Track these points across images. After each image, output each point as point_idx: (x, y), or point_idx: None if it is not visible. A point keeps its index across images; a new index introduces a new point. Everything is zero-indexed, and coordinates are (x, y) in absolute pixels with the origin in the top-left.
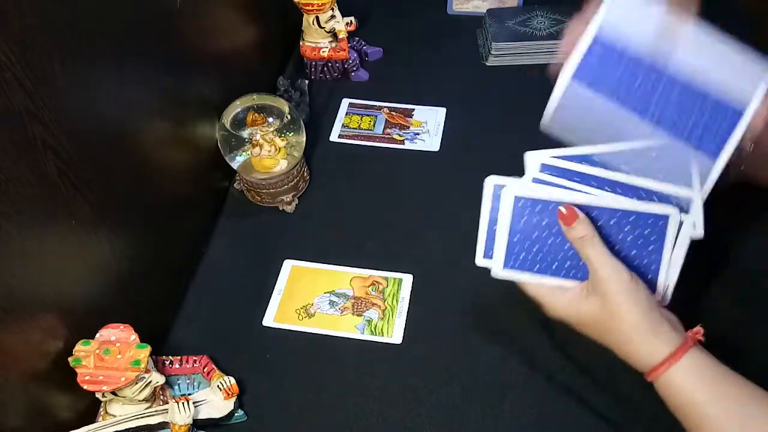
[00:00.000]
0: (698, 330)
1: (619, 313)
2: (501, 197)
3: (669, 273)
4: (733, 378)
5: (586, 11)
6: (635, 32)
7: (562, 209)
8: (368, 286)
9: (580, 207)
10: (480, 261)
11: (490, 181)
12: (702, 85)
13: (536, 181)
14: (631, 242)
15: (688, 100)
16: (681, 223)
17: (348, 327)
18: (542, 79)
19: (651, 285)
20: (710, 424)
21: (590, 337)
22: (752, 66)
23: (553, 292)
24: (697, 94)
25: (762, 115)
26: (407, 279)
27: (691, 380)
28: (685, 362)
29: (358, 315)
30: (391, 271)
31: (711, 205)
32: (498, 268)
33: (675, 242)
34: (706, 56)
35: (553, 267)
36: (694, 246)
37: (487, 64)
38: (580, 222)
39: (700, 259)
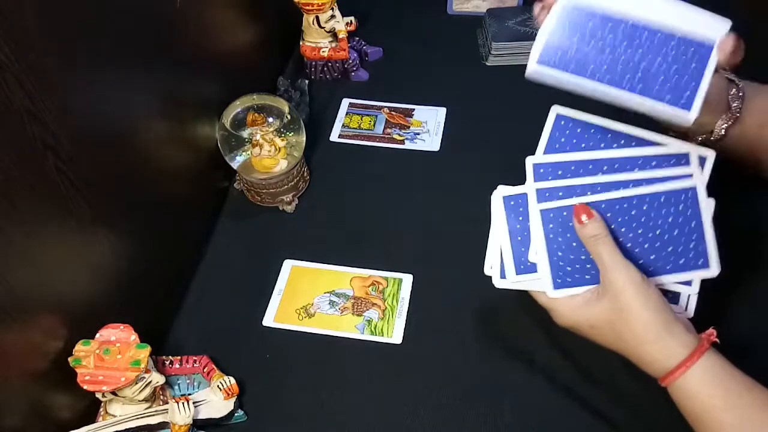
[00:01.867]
0: (711, 332)
1: (632, 311)
2: (530, 212)
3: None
4: (748, 383)
5: None
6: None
7: (578, 207)
8: (368, 286)
9: (608, 200)
10: (491, 272)
11: (499, 193)
12: (668, 31)
13: (541, 190)
14: (672, 222)
15: (657, 48)
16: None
17: (348, 327)
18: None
19: (704, 255)
20: (724, 430)
21: (602, 344)
22: (711, 15)
23: (564, 298)
24: (665, 37)
25: (727, 46)
26: (407, 279)
27: (708, 385)
28: (701, 366)
29: (358, 315)
30: (391, 271)
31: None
32: (548, 285)
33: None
34: (667, 10)
35: (587, 277)
36: None
37: (487, 64)
38: (594, 221)
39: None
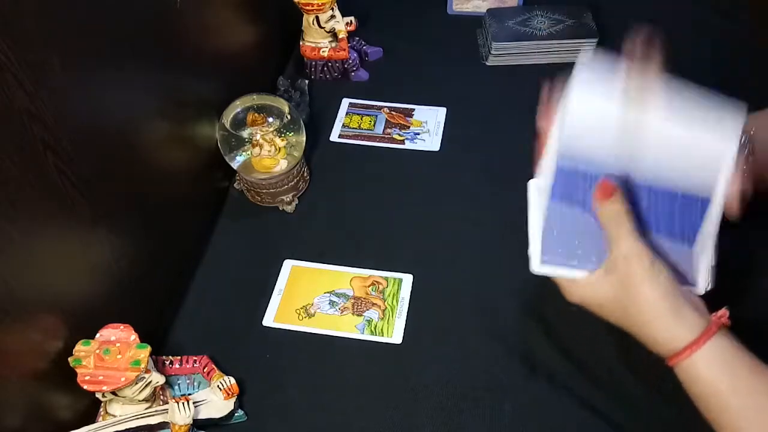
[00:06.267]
0: (723, 313)
1: (640, 292)
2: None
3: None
4: (757, 368)
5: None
6: (596, 149)
7: (602, 184)
8: (368, 286)
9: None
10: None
11: (534, 183)
12: (669, 183)
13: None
14: (676, 218)
15: (658, 203)
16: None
17: (348, 327)
18: (542, 80)
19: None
20: (730, 415)
21: (609, 320)
22: (719, 134)
23: (569, 279)
24: (666, 193)
25: (736, 182)
26: (407, 279)
27: (714, 369)
28: (708, 349)
29: (358, 315)
30: (391, 271)
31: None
32: (535, 264)
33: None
34: (670, 144)
35: (593, 259)
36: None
37: (487, 64)
38: (616, 198)
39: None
